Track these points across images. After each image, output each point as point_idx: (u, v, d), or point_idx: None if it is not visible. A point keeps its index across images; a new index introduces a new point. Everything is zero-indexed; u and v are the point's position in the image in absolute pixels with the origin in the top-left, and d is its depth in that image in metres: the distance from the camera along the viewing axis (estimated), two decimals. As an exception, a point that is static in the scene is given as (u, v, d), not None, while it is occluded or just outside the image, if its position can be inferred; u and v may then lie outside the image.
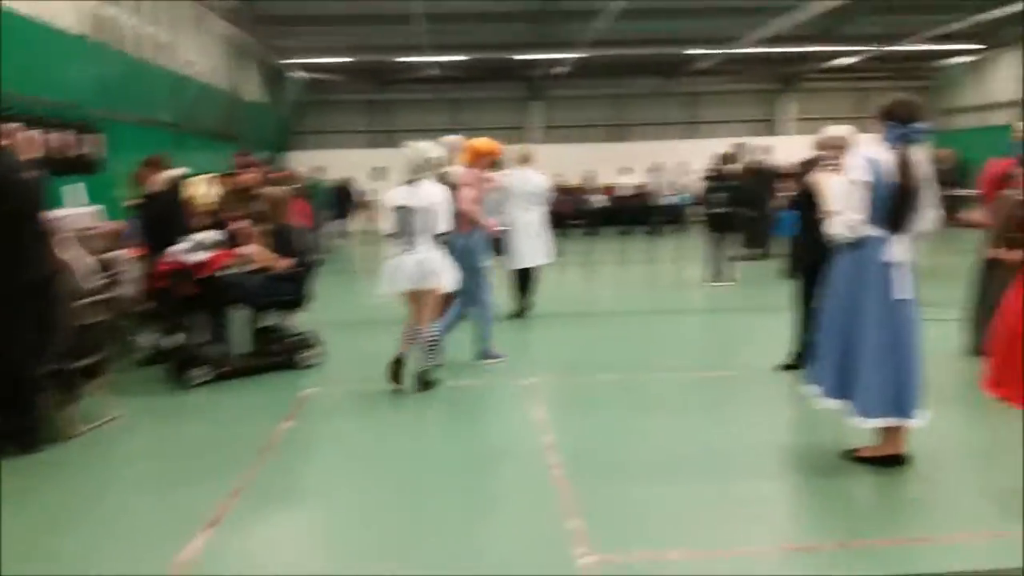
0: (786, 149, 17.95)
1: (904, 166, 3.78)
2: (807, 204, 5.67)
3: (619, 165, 21.83)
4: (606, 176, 21.59)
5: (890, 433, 3.95)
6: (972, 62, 23.73)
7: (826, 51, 22.42)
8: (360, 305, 10.37)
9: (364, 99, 25.86)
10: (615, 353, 6.94)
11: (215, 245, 6.54)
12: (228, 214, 7.28)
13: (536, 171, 8.44)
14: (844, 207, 3.89)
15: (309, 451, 4.76)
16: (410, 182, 5.55)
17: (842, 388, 3.98)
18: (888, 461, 3.97)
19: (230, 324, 6.53)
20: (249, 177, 7.50)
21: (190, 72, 14.44)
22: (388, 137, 26.42)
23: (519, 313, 8.40)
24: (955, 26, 17.99)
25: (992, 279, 5.97)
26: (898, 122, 3.82)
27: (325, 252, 16.68)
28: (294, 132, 25.31)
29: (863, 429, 3.96)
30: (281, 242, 6.50)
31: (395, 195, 5.60)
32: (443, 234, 5.60)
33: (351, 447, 4.79)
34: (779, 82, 26.18)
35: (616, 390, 5.73)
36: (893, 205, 3.78)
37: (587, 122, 25.57)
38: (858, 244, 3.88)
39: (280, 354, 6.50)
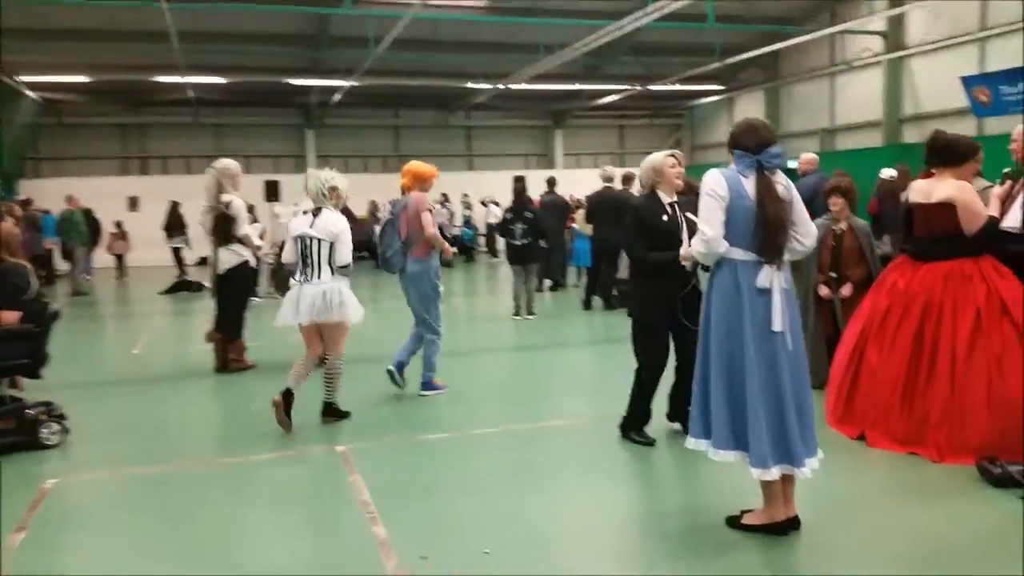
0: (565, 182, 18.28)
1: (765, 191, 3.41)
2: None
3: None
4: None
5: (775, 490, 3.44)
6: (719, 101, 25.91)
7: (590, 89, 23.43)
8: (112, 360, 8.75)
9: (114, 122, 23.20)
10: (434, 403, 6.19)
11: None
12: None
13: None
14: (700, 222, 3.46)
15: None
16: (312, 211, 5.46)
17: (736, 436, 3.42)
18: (779, 528, 3.48)
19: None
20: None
21: None
22: (142, 164, 23.93)
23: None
24: (702, 69, 19.47)
25: (818, 311, 5.98)
26: (747, 151, 3.47)
27: (73, 293, 14.51)
28: (29, 158, 22.11)
29: (760, 481, 3.41)
30: (4, 291, 5.20)
31: (296, 224, 5.53)
32: (345, 266, 5.44)
33: (108, 566, 3.56)
34: (550, 118, 26.99)
35: (445, 455, 4.97)
36: (761, 229, 3.39)
37: (365, 152, 24.74)
38: (722, 267, 3.46)
39: (9, 433, 5.14)
